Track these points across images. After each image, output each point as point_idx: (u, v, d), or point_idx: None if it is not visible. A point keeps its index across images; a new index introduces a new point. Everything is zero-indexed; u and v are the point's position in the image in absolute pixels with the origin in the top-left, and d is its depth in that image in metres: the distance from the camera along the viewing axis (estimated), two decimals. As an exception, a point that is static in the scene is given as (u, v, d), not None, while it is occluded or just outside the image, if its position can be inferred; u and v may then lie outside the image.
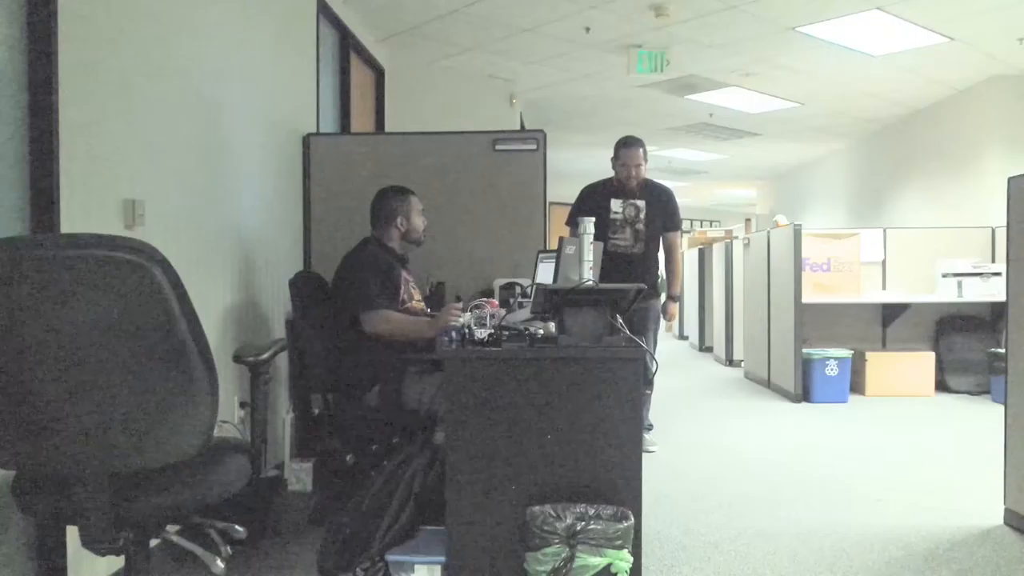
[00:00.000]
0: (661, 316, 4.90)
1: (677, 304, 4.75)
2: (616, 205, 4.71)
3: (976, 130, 8.33)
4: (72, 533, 2.11)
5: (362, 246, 3.50)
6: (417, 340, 3.29)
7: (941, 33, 6.54)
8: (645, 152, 4.75)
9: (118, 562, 2.49)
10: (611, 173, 4.80)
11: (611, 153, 4.78)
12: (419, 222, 3.57)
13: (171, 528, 1.89)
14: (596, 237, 4.49)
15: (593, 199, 4.76)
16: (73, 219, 2.42)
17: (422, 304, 3.64)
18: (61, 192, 2.39)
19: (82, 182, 2.49)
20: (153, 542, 1.88)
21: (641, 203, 4.71)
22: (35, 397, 1.56)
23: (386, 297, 3.35)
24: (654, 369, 4.49)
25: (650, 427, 4.94)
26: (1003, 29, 6.50)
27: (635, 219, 4.71)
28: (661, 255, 4.96)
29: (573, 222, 4.60)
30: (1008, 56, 7.27)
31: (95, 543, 1.70)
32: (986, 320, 7.14)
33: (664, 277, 5.08)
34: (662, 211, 4.77)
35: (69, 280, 1.52)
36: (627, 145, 4.71)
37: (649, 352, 4.36)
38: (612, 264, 4.36)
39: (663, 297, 5.02)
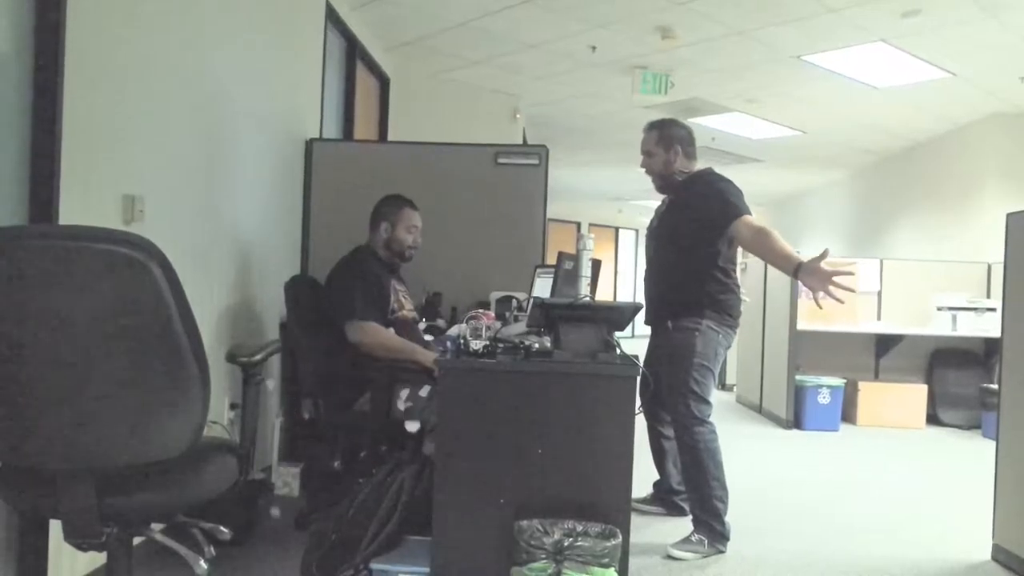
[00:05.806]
0: (692, 351, 3.41)
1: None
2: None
3: (975, 166, 8.37)
4: (55, 527, 2.09)
5: (352, 254, 3.48)
6: (397, 360, 3.21)
7: (944, 68, 6.59)
8: (665, 136, 3.50)
9: (100, 558, 2.47)
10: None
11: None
12: (406, 235, 3.52)
13: (155, 526, 1.87)
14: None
15: None
16: (72, 212, 2.41)
17: (414, 314, 3.62)
18: (61, 184, 2.38)
19: (82, 175, 2.48)
20: (136, 540, 1.86)
21: (663, 207, 3.72)
22: (24, 387, 1.55)
23: (373, 308, 3.32)
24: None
25: (718, 536, 3.35)
26: (1005, 67, 6.55)
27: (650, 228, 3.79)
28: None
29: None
30: (1009, 94, 7.33)
31: (78, 538, 1.68)
32: (979, 355, 7.15)
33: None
34: (687, 214, 3.45)
35: (66, 271, 1.50)
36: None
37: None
38: None
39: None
